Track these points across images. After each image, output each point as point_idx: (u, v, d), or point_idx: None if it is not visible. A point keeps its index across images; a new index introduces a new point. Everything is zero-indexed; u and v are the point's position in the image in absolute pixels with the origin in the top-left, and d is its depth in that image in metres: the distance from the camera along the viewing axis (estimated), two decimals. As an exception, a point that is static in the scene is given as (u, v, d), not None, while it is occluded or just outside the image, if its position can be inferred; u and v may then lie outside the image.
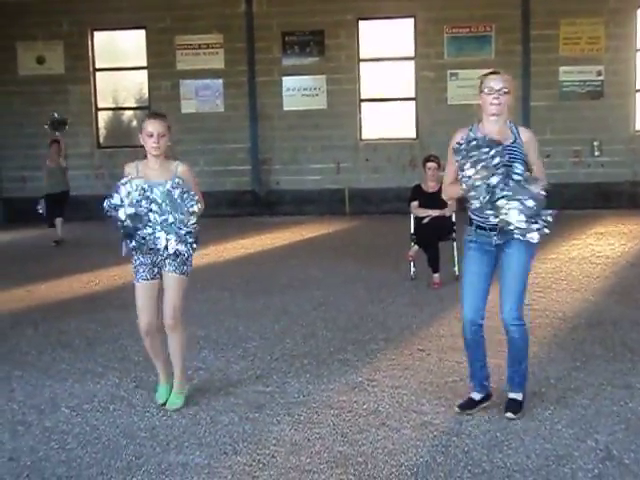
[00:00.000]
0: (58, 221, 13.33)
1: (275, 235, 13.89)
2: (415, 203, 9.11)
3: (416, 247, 9.08)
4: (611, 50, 16.22)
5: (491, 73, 4.76)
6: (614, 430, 4.48)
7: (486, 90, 4.62)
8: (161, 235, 4.76)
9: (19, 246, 13.81)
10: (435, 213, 8.90)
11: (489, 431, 4.51)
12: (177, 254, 4.88)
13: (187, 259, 4.98)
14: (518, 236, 4.49)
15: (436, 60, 16.62)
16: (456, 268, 9.01)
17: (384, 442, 4.40)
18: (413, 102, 16.98)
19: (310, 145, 16.95)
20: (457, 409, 4.80)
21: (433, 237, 8.88)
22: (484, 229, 4.63)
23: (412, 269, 9.17)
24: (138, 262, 4.98)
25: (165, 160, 4.98)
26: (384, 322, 7.20)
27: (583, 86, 16.41)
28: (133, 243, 4.82)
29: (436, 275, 8.80)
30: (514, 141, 4.59)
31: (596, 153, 16.42)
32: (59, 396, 5.38)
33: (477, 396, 4.87)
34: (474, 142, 4.42)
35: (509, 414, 4.69)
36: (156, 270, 4.99)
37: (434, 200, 8.95)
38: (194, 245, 4.94)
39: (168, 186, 4.78)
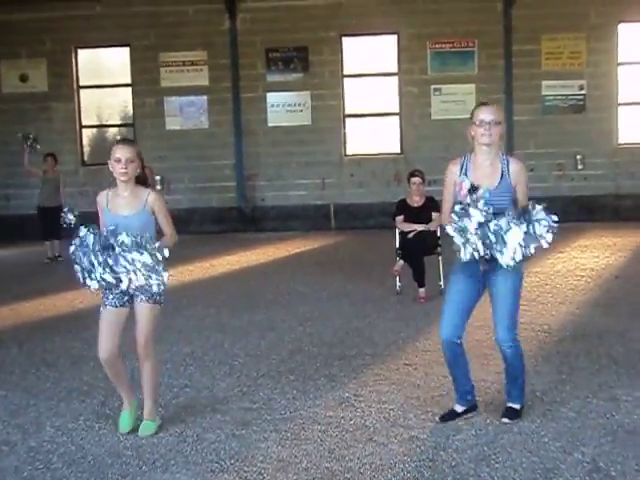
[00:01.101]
0: (55, 242, 13.21)
1: (261, 251, 13.88)
2: (400, 218, 9.13)
3: (401, 262, 9.09)
4: (592, 64, 16.39)
5: (481, 104, 4.86)
6: (600, 442, 4.49)
7: (477, 122, 4.68)
8: (123, 277, 4.60)
9: (3, 264, 13.73)
10: (420, 227, 8.92)
11: (476, 445, 4.51)
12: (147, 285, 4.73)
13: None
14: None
15: (419, 75, 16.74)
16: (442, 282, 9.02)
17: (371, 457, 4.39)
18: (397, 117, 17.08)
19: (295, 161, 16.99)
20: (438, 419, 4.88)
21: (418, 252, 8.89)
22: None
23: (398, 284, 9.19)
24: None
25: (135, 187, 4.84)
26: (370, 337, 7.20)
27: (565, 100, 16.56)
28: (94, 284, 4.67)
29: (422, 289, 8.82)
30: (500, 181, 4.68)
31: (579, 166, 16.55)
32: (44, 415, 5.34)
33: (459, 408, 4.93)
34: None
35: (505, 419, 4.82)
36: (126, 298, 4.84)
37: (419, 214, 9.00)
38: (165, 277, 4.74)
39: (135, 237, 4.60)
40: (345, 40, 17.00)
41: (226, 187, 17.13)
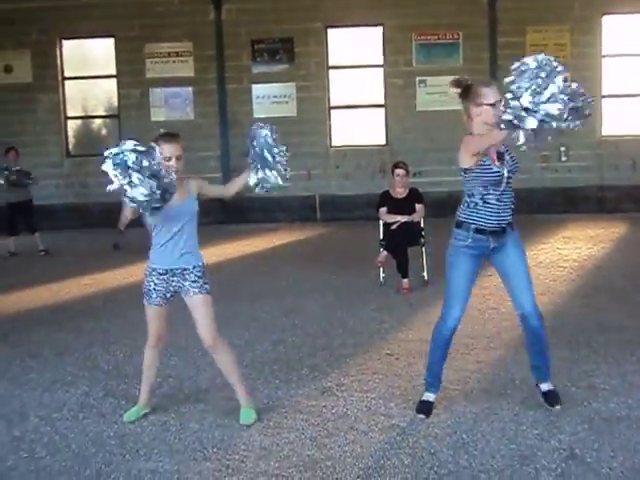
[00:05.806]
0: (36, 236, 13.18)
1: (246, 243, 13.91)
2: (383, 209, 9.17)
3: (385, 253, 9.12)
4: (577, 56, 16.43)
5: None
6: (577, 430, 4.56)
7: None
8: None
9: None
10: (403, 219, 8.97)
11: (455, 432, 4.58)
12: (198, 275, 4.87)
13: (204, 275, 4.94)
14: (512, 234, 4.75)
15: (405, 67, 16.77)
16: (425, 273, 9.10)
17: (352, 445, 4.45)
18: (382, 109, 17.11)
19: (281, 152, 16.96)
20: (421, 415, 4.84)
21: (402, 243, 8.94)
22: (483, 232, 4.68)
23: (381, 275, 9.24)
24: (152, 286, 4.82)
25: (179, 179, 4.71)
26: (353, 327, 7.26)
27: (550, 92, 16.59)
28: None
29: (405, 280, 8.87)
30: None
31: (563, 158, 16.64)
32: (28, 405, 5.38)
33: (432, 397, 4.93)
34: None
35: (557, 407, 4.86)
36: (169, 295, 4.89)
37: (402, 206, 9.06)
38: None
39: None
40: (330, 31, 17.01)
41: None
